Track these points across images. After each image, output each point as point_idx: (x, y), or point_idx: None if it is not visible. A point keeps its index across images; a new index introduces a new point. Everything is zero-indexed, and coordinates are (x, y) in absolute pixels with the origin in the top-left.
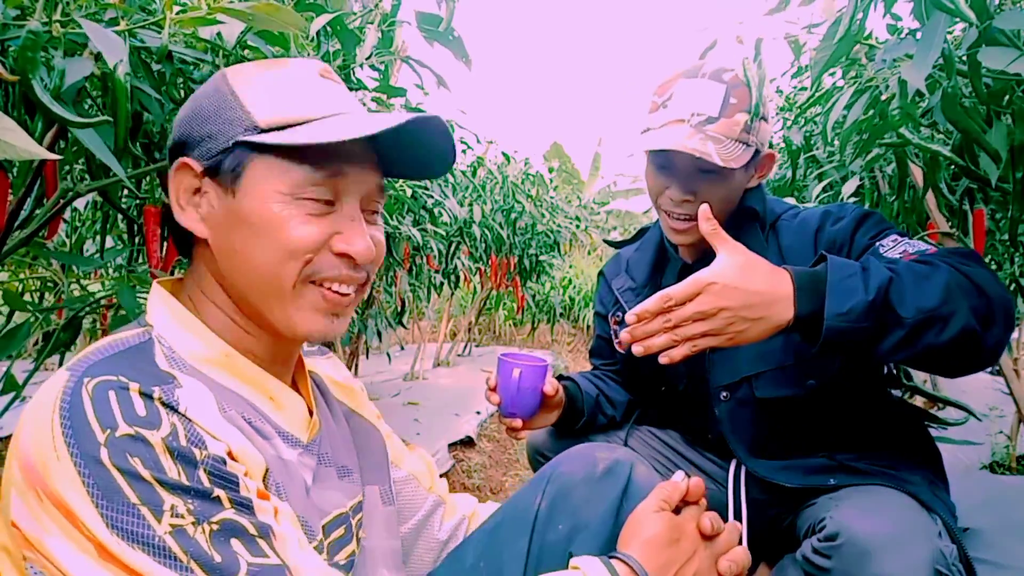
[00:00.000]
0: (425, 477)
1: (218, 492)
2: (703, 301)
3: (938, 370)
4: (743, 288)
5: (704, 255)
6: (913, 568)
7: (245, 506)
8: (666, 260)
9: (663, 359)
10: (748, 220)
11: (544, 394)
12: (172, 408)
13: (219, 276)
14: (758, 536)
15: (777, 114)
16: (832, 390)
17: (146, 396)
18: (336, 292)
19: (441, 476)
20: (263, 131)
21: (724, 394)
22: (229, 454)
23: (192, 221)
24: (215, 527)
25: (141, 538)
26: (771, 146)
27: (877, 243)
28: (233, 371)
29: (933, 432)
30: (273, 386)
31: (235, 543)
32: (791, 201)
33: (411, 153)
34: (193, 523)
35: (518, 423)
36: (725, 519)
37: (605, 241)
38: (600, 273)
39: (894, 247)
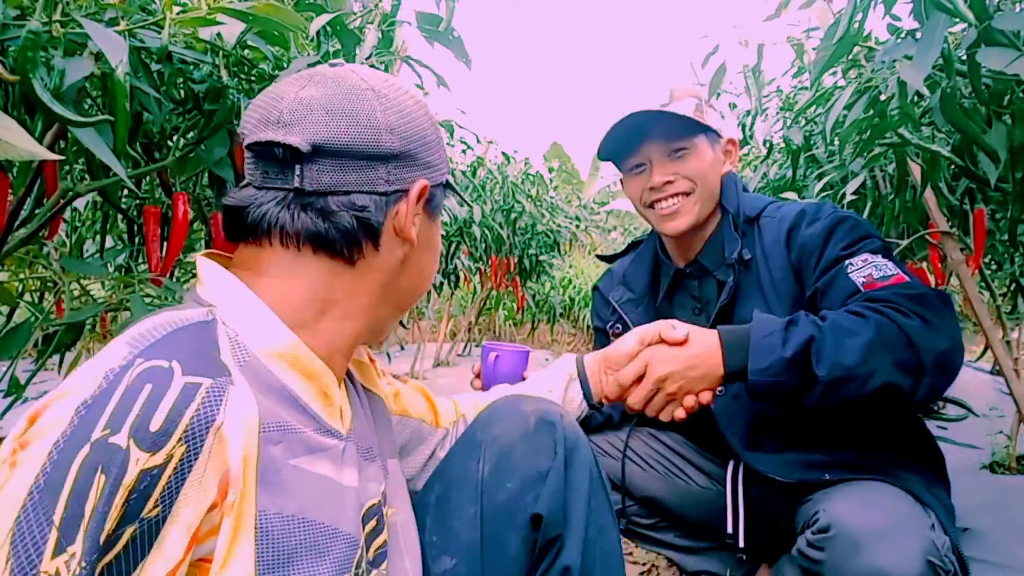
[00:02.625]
0: (428, 413)
1: (107, 565)
2: (651, 372)
3: (869, 416)
4: (676, 354)
5: (696, 255)
6: (905, 559)
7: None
8: (662, 270)
9: (667, 419)
10: (724, 218)
11: (526, 380)
12: (199, 430)
13: (382, 285)
14: (757, 537)
15: (777, 114)
16: None
17: (180, 403)
18: None
19: None
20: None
21: (719, 388)
22: (196, 526)
23: (415, 236)
24: None
25: (24, 558)
26: (770, 146)
27: (847, 262)
28: (296, 364)
29: (934, 432)
30: (330, 382)
31: None
32: (792, 196)
33: None
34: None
35: None
36: (724, 519)
37: (598, 256)
38: (595, 288)
39: (861, 268)
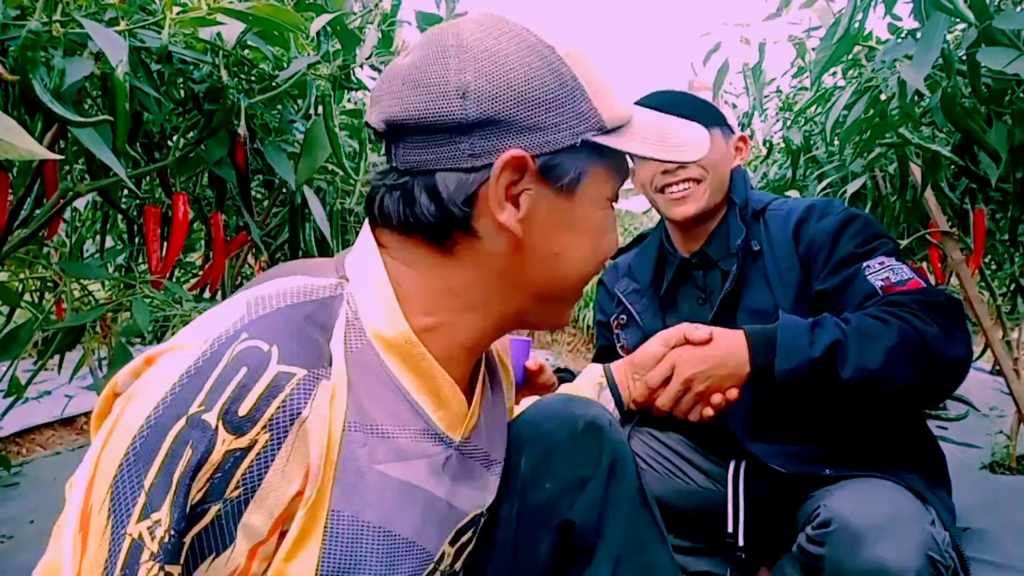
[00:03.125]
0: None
1: (193, 538)
2: (679, 373)
3: (873, 413)
4: (702, 353)
5: (701, 245)
6: (905, 553)
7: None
8: (667, 260)
9: (696, 419)
10: (731, 211)
11: (528, 370)
12: (284, 421)
13: (499, 275)
14: (758, 538)
15: (777, 114)
16: None
17: (272, 390)
18: None
19: None
20: (608, 131)
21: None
22: (297, 494)
23: (512, 220)
24: (156, 571)
25: (115, 519)
26: (770, 146)
27: (863, 264)
28: (407, 359)
29: (935, 432)
30: (444, 383)
31: None
32: (794, 194)
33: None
34: (150, 555)
35: None
36: (724, 519)
37: None
38: (600, 282)
39: (879, 271)
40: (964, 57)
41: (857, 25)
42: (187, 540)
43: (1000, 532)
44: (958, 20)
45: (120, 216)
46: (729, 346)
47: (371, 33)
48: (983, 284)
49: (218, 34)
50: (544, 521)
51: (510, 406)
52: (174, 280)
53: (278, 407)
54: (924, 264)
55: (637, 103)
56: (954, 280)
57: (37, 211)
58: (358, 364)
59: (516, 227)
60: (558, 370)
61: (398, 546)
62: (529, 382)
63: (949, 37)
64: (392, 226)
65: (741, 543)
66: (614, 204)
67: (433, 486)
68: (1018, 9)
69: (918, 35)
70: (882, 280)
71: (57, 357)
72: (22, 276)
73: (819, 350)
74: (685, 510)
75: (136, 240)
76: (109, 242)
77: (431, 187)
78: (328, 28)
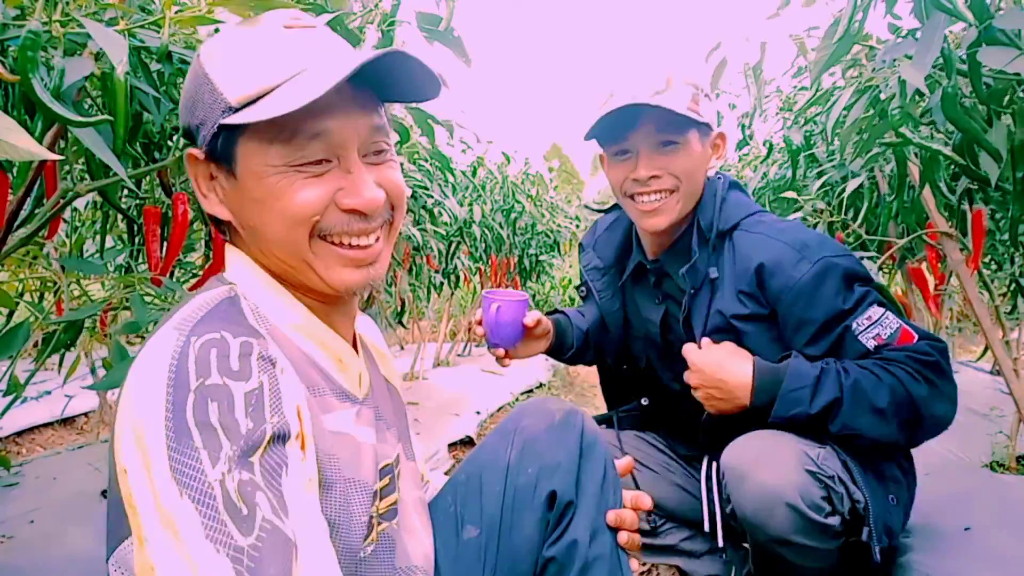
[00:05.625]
0: (421, 461)
1: (265, 453)
2: (690, 377)
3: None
4: (712, 376)
5: (666, 250)
6: (783, 472)
7: (276, 466)
8: (630, 250)
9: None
10: (694, 231)
11: (525, 326)
12: (270, 363)
13: (256, 251)
14: (736, 534)
15: (777, 114)
16: None
17: (245, 351)
18: (354, 246)
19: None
20: (237, 109)
21: (676, 384)
22: (298, 411)
23: (215, 206)
24: (249, 478)
25: (193, 482)
26: (770, 146)
27: (851, 323)
28: (309, 334)
29: None
30: (342, 349)
31: (260, 496)
32: (792, 195)
33: (394, 80)
34: (230, 470)
35: (501, 352)
36: (701, 514)
37: (586, 206)
38: (580, 244)
39: (869, 329)
40: (964, 57)
41: (857, 25)
42: (256, 459)
43: (1000, 532)
44: (958, 20)
45: (120, 216)
46: (738, 381)
47: (371, 33)
48: (983, 284)
49: (217, 31)
50: (530, 500)
51: (396, 385)
52: (174, 280)
53: (258, 358)
54: (923, 265)
55: (604, 115)
56: (954, 280)
57: (37, 211)
58: (275, 341)
59: (219, 211)
60: (551, 312)
61: (347, 481)
62: (529, 335)
63: (948, 37)
64: None
65: (720, 543)
66: (303, 167)
67: (354, 431)
68: (1018, 8)
69: (918, 35)
70: (873, 338)
71: (57, 357)
72: (22, 276)
73: (817, 407)
74: (678, 511)
75: (136, 240)
76: (109, 242)
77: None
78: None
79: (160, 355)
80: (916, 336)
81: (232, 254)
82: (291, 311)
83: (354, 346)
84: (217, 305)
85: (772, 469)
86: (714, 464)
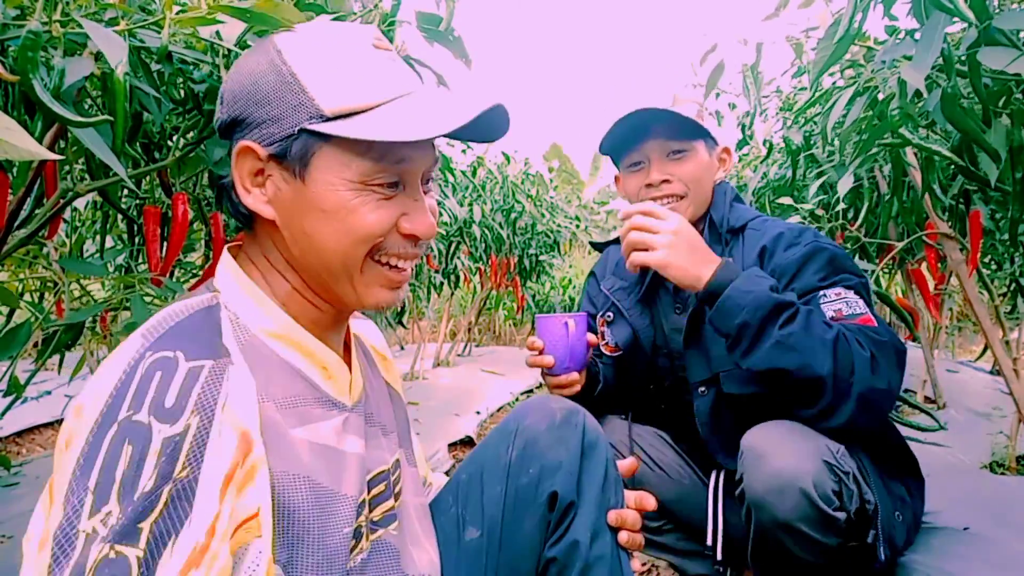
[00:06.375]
0: (423, 464)
1: (161, 516)
2: (671, 219)
3: (852, 432)
4: (691, 237)
5: None
6: (800, 460)
7: (172, 527)
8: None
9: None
10: (708, 228)
11: (590, 344)
12: (208, 403)
13: (287, 252)
14: (741, 544)
15: (777, 114)
16: None
17: (187, 384)
18: (398, 268)
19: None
20: (329, 119)
21: (702, 389)
22: (226, 477)
23: (258, 203)
24: (112, 555)
25: (68, 519)
26: (770, 146)
27: (821, 292)
28: (292, 343)
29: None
30: (328, 358)
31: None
32: (788, 200)
33: (475, 123)
34: (101, 539)
35: (575, 376)
36: (705, 519)
37: (591, 243)
38: (591, 273)
39: (833, 301)
40: (964, 57)
41: (856, 25)
42: (146, 525)
43: (1000, 532)
44: (957, 20)
45: (120, 216)
46: (708, 255)
47: None
48: (982, 284)
49: (217, 33)
50: (531, 500)
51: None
52: (174, 280)
53: (200, 392)
54: (923, 265)
55: (618, 121)
56: (953, 280)
57: (37, 211)
58: (251, 353)
59: (263, 209)
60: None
61: (324, 494)
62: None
63: (948, 37)
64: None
65: (719, 556)
66: (377, 187)
67: (337, 443)
68: (1018, 8)
69: (917, 35)
70: (834, 311)
71: (57, 357)
72: (22, 276)
73: (773, 301)
74: (683, 512)
75: (136, 240)
76: (109, 242)
77: (229, 183)
78: None
79: (118, 362)
80: (878, 325)
81: (223, 257)
82: (272, 320)
83: (348, 351)
84: (191, 315)
85: (791, 454)
86: (722, 476)
